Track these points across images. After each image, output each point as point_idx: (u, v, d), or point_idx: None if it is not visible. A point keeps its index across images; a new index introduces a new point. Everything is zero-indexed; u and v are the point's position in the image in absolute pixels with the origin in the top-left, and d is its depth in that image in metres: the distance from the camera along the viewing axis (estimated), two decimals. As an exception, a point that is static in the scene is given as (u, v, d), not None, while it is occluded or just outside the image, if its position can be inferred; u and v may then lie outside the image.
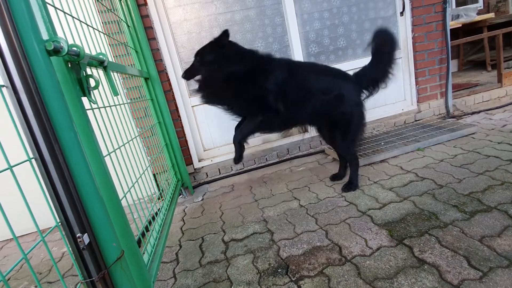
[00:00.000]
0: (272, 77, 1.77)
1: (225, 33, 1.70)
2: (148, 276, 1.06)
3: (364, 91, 1.96)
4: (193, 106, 2.78)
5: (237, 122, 2.01)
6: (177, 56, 2.66)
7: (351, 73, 1.98)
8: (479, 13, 4.34)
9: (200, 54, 1.80)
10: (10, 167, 0.67)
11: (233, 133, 1.94)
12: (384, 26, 1.98)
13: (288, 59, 1.97)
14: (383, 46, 1.89)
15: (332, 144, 2.11)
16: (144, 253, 1.26)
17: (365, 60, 2.02)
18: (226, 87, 1.80)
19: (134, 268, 0.96)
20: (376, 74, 1.93)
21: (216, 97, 1.88)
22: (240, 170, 2.85)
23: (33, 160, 0.71)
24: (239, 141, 1.90)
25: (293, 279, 1.26)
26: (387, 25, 2.94)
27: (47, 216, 0.77)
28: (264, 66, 1.79)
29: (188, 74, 1.85)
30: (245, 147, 1.97)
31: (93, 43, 1.33)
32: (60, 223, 0.75)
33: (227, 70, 1.74)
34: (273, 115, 1.83)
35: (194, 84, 2.75)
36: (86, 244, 0.75)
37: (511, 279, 1.04)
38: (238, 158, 1.93)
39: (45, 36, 0.74)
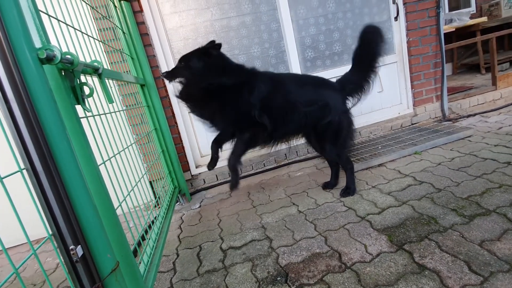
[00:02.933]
0: (256, 91, 1.75)
1: (215, 45, 1.67)
2: (144, 287, 1.03)
3: (348, 97, 1.94)
4: (190, 112, 2.77)
5: (215, 137, 1.93)
6: (173, 62, 2.66)
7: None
8: (472, 17, 4.41)
9: (186, 59, 1.74)
10: (0, 179, 0.66)
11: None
12: (372, 24, 1.85)
13: (271, 72, 1.91)
14: (369, 48, 1.83)
15: (321, 152, 2.08)
16: (140, 263, 1.24)
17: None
18: (209, 99, 1.74)
19: (129, 279, 0.93)
20: (358, 80, 1.90)
21: (199, 110, 1.83)
22: (238, 176, 2.83)
23: (24, 171, 0.69)
24: (234, 165, 1.82)
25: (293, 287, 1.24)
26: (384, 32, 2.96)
27: (43, 226, 0.75)
28: (249, 80, 1.76)
29: (169, 75, 1.77)
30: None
31: (88, 50, 1.32)
32: (52, 235, 0.72)
33: (211, 81, 1.69)
34: (260, 130, 1.80)
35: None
36: (79, 256, 0.73)
37: (512, 284, 1.03)
38: (235, 184, 1.84)
39: (37, 44, 0.73)
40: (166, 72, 1.79)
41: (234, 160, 1.82)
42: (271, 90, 1.78)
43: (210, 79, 1.70)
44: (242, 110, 1.76)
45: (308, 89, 1.87)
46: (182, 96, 1.81)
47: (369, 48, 1.84)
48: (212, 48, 1.70)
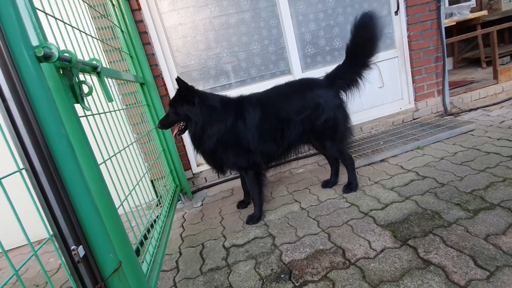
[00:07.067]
0: (248, 120, 1.77)
1: (180, 83, 1.63)
2: (147, 287, 1.03)
3: (341, 90, 1.89)
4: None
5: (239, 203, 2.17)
6: (172, 60, 2.64)
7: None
8: (472, 11, 4.37)
9: (172, 105, 1.75)
10: (-1, 179, 0.65)
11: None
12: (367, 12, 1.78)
13: (256, 93, 1.91)
14: (361, 39, 1.78)
15: (323, 151, 2.06)
16: (143, 262, 1.23)
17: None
18: (215, 151, 1.79)
19: (132, 279, 0.92)
20: (349, 72, 1.86)
21: (216, 167, 1.93)
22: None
23: (23, 171, 0.68)
24: (260, 207, 1.90)
25: (297, 285, 1.24)
26: (382, 25, 2.94)
27: (44, 227, 0.74)
28: (239, 112, 1.78)
29: (164, 125, 1.79)
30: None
31: (86, 49, 1.31)
32: (53, 236, 0.72)
33: (210, 133, 1.72)
34: (260, 162, 1.85)
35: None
36: (81, 256, 0.72)
37: (519, 278, 1.02)
38: (259, 217, 1.89)
39: (34, 42, 0.72)
40: (160, 122, 1.79)
41: (259, 208, 1.90)
42: (262, 114, 1.79)
43: (209, 131, 1.72)
44: (240, 152, 1.80)
45: (296, 97, 1.84)
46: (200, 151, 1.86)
47: (361, 39, 1.79)
48: (180, 86, 1.65)
